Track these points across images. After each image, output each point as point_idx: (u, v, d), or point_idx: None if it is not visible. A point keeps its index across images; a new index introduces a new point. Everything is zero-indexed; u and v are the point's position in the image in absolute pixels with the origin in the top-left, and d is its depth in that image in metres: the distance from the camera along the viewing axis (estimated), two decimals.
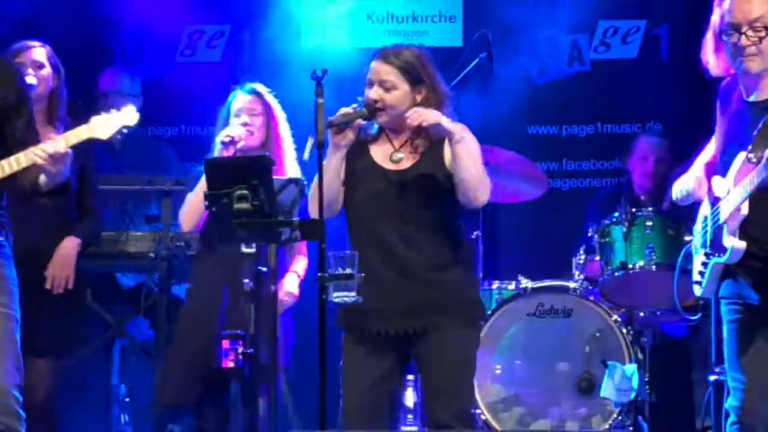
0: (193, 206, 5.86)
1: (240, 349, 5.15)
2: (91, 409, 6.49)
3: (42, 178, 4.67)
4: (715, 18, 4.67)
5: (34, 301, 5.55)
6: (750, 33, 4.53)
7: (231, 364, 5.26)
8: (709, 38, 4.73)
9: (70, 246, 5.74)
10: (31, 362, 5.62)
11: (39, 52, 5.79)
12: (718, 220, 4.59)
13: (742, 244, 4.50)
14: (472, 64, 7.13)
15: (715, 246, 4.61)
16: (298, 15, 8.33)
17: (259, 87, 6.03)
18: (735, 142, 4.62)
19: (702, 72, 4.84)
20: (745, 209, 4.49)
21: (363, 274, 4.73)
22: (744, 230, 4.51)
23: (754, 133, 4.50)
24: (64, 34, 6.58)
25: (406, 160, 5.01)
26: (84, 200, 5.88)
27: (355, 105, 4.94)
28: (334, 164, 4.94)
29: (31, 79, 5.63)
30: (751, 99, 4.63)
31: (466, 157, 4.87)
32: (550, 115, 8.34)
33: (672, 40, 8.20)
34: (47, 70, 5.77)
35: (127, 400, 6.97)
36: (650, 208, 6.87)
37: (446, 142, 4.96)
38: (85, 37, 7.81)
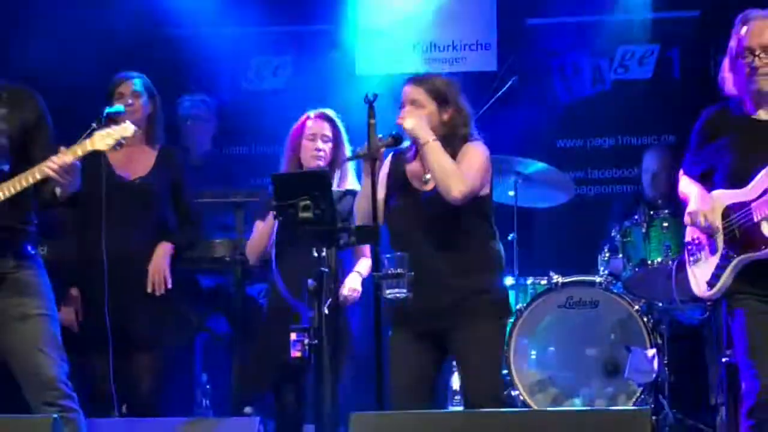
0: (255, 244, 5.92)
1: (306, 341, 5.19)
2: (177, 395, 6.55)
3: (58, 189, 4.67)
4: (732, 44, 4.74)
5: (133, 302, 5.65)
6: (762, 55, 4.60)
7: (298, 354, 5.30)
8: (725, 62, 4.79)
9: (161, 252, 5.74)
10: (136, 356, 5.73)
11: (137, 82, 5.85)
12: (750, 219, 4.59)
13: None
14: (506, 87, 7.18)
15: (746, 244, 4.61)
16: (352, 46, 8.41)
17: (331, 113, 5.97)
18: (752, 153, 4.65)
19: (713, 89, 4.89)
20: None
21: (413, 273, 4.78)
22: None
23: None
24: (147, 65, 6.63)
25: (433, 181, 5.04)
26: (181, 209, 5.89)
27: (380, 135, 4.91)
28: (364, 188, 4.98)
29: (118, 107, 5.71)
30: (764, 118, 4.71)
31: (431, 159, 4.89)
32: (576, 129, 8.33)
33: (683, 61, 8.19)
34: (144, 98, 5.83)
35: (208, 386, 7.04)
36: (666, 211, 6.83)
37: (468, 151, 5.00)
38: (164, 68, 7.88)
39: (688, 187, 4.93)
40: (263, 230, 5.86)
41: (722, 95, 4.87)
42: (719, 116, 4.83)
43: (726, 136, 4.77)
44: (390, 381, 4.99)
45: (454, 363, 6.00)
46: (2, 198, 4.60)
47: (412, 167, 5.11)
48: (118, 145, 4.67)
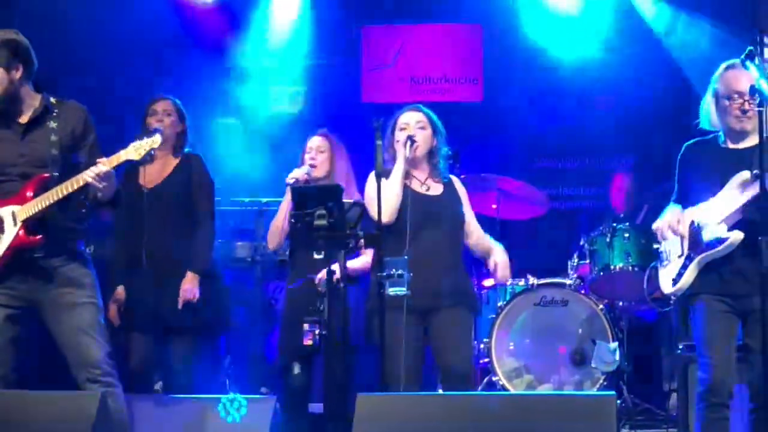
0: (275, 231, 5.80)
1: (317, 331, 5.13)
2: (204, 376, 6.49)
3: (99, 194, 4.59)
4: (715, 87, 4.75)
5: (167, 295, 5.55)
6: (749, 99, 4.59)
7: (310, 342, 5.25)
8: (707, 101, 4.80)
9: (190, 282, 5.57)
10: (171, 341, 5.65)
11: (169, 103, 5.76)
12: (708, 225, 4.60)
13: (740, 235, 4.54)
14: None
15: (705, 245, 4.61)
16: (359, 78, 8.37)
17: (326, 131, 5.95)
18: (718, 175, 4.66)
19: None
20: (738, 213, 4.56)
21: (411, 274, 4.74)
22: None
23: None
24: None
25: (433, 190, 5.21)
26: (198, 207, 5.72)
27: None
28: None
29: (158, 125, 5.62)
30: (732, 146, 4.72)
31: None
32: (550, 153, 8.33)
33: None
34: (174, 117, 5.74)
35: (231, 368, 6.98)
36: (627, 223, 6.82)
37: (457, 182, 5.32)
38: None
39: (667, 209, 4.90)
40: (280, 210, 5.77)
41: (699, 128, 4.88)
42: (695, 147, 4.86)
43: (700, 162, 4.79)
44: (384, 356, 4.87)
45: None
46: (53, 201, 4.56)
47: (408, 181, 5.19)
48: (149, 156, 4.59)
